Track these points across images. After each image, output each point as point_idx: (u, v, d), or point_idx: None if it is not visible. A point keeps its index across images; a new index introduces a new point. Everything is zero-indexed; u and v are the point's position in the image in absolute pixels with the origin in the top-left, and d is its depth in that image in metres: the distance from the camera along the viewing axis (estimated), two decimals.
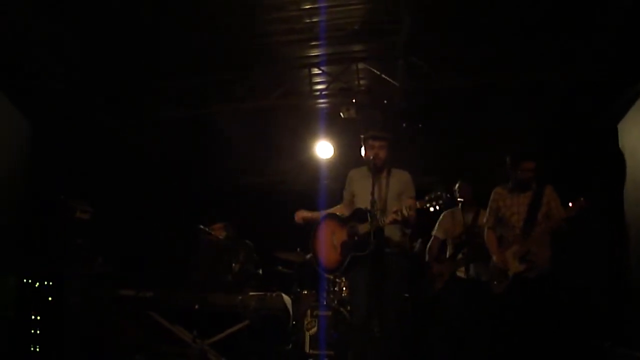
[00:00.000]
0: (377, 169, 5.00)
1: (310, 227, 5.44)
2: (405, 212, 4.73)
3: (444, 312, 6.21)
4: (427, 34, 6.78)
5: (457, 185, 6.57)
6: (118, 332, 6.02)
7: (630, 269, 5.85)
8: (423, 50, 7.12)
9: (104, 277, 6.35)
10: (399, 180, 5.17)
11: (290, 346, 7.00)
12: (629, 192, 5.89)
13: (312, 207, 5.55)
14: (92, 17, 6.24)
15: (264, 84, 7.86)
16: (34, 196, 6.38)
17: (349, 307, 6.50)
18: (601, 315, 6.70)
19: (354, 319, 5.24)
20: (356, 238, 4.97)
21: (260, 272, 7.07)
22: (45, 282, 5.92)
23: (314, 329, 6.90)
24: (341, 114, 7.97)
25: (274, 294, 6.16)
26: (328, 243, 5.19)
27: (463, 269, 6.16)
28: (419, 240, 6.92)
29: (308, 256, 7.05)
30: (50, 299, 5.91)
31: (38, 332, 5.76)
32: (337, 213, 5.36)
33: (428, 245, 6.69)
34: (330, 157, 8.92)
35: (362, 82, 7.84)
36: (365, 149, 5.18)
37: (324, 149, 8.87)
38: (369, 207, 4.79)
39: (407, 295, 6.86)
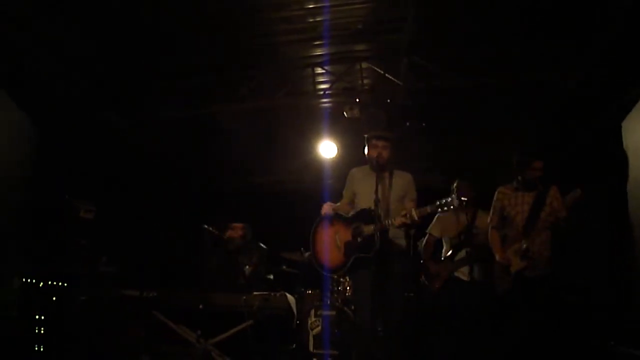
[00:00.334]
0: (380, 169, 5.00)
1: (309, 221, 5.44)
2: (415, 216, 4.75)
3: (444, 313, 6.18)
4: (431, 33, 6.78)
5: (455, 184, 6.55)
6: (122, 332, 6.02)
7: (636, 269, 5.83)
8: (426, 49, 7.12)
9: (107, 277, 6.36)
10: (402, 181, 5.17)
11: (294, 346, 7.00)
12: (633, 192, 5.87)
13: (316, 207, 5.54)
14: (96, 18, 6.25)
15: (267, 83, 7.86)
16: (38, 196, 6.38)
17: (352, 307, 6.50)
18: (603, 314, 6.69)
19: (357, 319, 5.24)
20: (360, 239, 4.97)
21: (271, 277, 7.08)
22: (49, 282, 5.93)
23: (318, 329, 6.90)
24: (345, 113, 7.97)
25: (277, 294, 6.15)
26: (331, 242, 5.18)
27: (464, 270, 6.13)
28: (422, 240, 6.90)
29: (307, 254, 7.06)
30: (54, 298, 5.91)
31: (42, 331, 5.77)
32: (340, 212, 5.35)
33: (423, 243, 6.66)
34: (334, 157, 8.92)
35: (365, 81, 7.84)
36: (368, 148, 5.18)
37: (327, 149, 8.87)
38: (372, 207, 4.79)
39: (411, 294, 6.88)
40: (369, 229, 4.87)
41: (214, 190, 10.15)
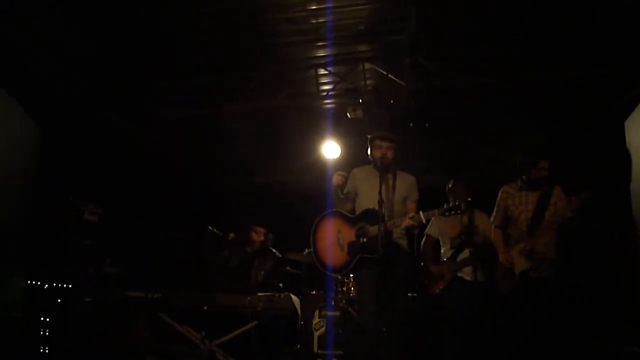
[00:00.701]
0: (384, 169, 5.00)
1: (313, 222, 5.44)
2: (423, 219, 4.79)
3: (447, 313, 6.18)
4: (432, 33, 6.78)
5: (449, 185, 6.55)
6: (126, 333, 6.03)
7: (637, 267, 5.83)
8: (429, 50, 7.12)
9: (112, 278, 6.37)
10: (405, 183, 5.19)
11: (298, 346, 7.02)
12: (636, 191, 5.88)
13: (319, 207, 5.54)
14: (96, 18, 6.27)
15: (270, 84, 7.87)
16: (42, 198, 6.40)
17: (356, 307, 6.50)
18: (606, 314, 6.69)
19: (361, 319, 5.25)
20: (365, 240, 4.97)
21: (281, 285, 7.09)
22: (54, 284, 5.94)
23: (322, 329, 6.90)
24: (348, 114, 7.98)
25: (282, 295, 6.17)
26: (334, 241, 5.18)
27: (467, 270, 6.13)
28: (422, 240, 6.90)
29: (306, 251, 7.07)
30: (58, 300, 5.92)
31: (47, 333, 5.78)
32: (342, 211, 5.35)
33: (422, 244, 6.66)
34: (337, 157, 8.93)
35: (368, 82, 7.85)
36: (372, 149, 5.19)
37: (330, 149, 8.88)
38: (375, 207, 4.79)
39: (415, 295, 6.89)
40: (373, 229, 4.88)
41: (217, 190, 10.16)
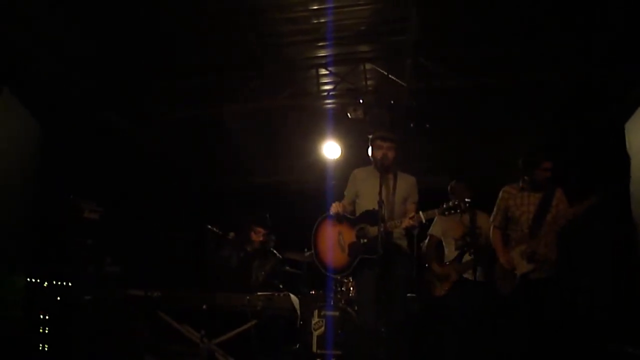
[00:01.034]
0: (384, 170, 5.00)
1: (312, 222, 5.44)
2: (423, 219, 4.79)
3: (452, 314, 6.18)
4: (434, 34, 6.78)
5: (451, 185, 6.55)
6: (126, 332, 6.03)
7: (637, 269, 5.82)
8: (430, 50, 7.12)
9: (112, 277, 6.37)
10: (405, 184, 5.19)
11: (297, 346, 7.02)
12: (636, 193, 5.87)
13: (319, 208, 5.54)
14: (99, 18, 6.26)
15: (271, 84, 7.87)
16: (42, 196, 6.39)
17: (356, 307, 6.51)
18: (607, 315, 6.69)
19: (360, 320, 5.25)
20: (365, 240, 4.98)
21: (281, 286, 7.09)
22: (54, 282, 5.94)
23: (322, 329, 6.90)
24: (348, 114, 7.98)
25: (281, 294, 6.16)
26: (335, 243, 5.18)
27: (471, 271, 6.13)
28: (424, 241, 6.90)
29: (307, 253, 7.07)
30: (58, 298, 5.92)
31: (47, 331, 5.78)
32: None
33: (425, 245, 6.65)
34: (338, 158, 8.93)
35: (369, 82, 7.85)
36: (373, 149, 5.19)
37: (331, 150, 8.88)
38: (375, 208, 4.79)
39: (414, 295, 6.89)
40: (373, 230, 4.88)
41: (217, 190, 10.16)
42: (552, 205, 5.42)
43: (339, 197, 5.42)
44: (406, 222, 4.85)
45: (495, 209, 5.75)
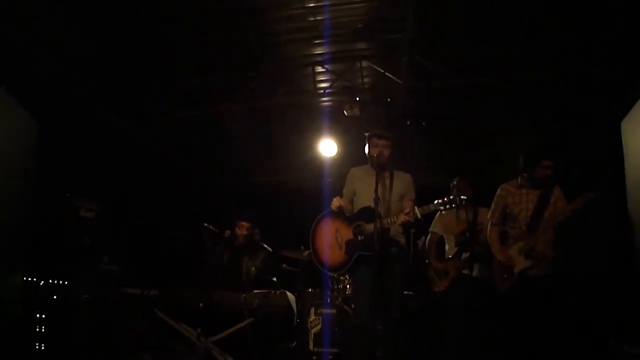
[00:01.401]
0: (380, 167, 5.01)
1: (310, 219, 5.44)
2: (418, 215, 4.79)
3: (450, 311, 6.18)
4: (431, 32, 6.79)
5: (454, 182, 6.55)
6: (123, 331, 6.03)
7: (636, 267, 5.83)
8: (426, 48, 7.12)
9: (109, 275, 6.36)
10: (402, 182, 5.19)
11: (294, 344, 7.02)
12: (632, 191, 5.87)
13: (316, 205, 5.55)
14: (98, 18, 6.25)
15: (268, 82, 7.87)
16: (39, 196, 6.39)
17: (353, 305, 6.51)
18: (605, 313, 6.69)
19: (357, 317, 5.25)
20: (362, 237, 4.98)
21: (275, 279, 7.09)
22: (51, 281, 5.93)
23: (318, 327, 6.91)
24: (345, 112, 7.97)
25: (277, 292, 6.16)
26: (332, 241, 5.19)
27: (470, 268, 6.14)
28: (422, 238, 6.91)
29: (306, 253, 7.07)
30: (55, 297, 5.92)
31: (44, 330, 5.78)
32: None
33: (427, 242, 6.66)
34: (334, 155, 8.93)
35: (366, 80, 7.85)
36: (369, 147, 5.19)
37: (327, 147, 8.87)
38: (372, 205, 4.79)
39: (411, 293, 6.89)
40: (370, 227, 4.88)
41: (215, 188, 10.16)
42: (550, 203, 5.42)
43: (336, 195, 5.42)
44: (402, 218, 4.85)
45: (492, 206, 5.75)
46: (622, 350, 5.35)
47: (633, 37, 6.02)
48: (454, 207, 4.89)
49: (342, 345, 6.70)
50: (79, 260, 6.20)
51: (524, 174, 5.57)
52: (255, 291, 6.09)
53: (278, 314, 6.15)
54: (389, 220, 4.91)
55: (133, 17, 6.31)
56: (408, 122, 8.15)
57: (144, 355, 5.87)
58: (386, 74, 7.60)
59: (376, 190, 4.79)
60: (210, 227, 6.78)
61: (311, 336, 6.92)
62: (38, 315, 5.83)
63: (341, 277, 7.24)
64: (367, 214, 4.94)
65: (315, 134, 8.90)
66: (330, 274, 5.81)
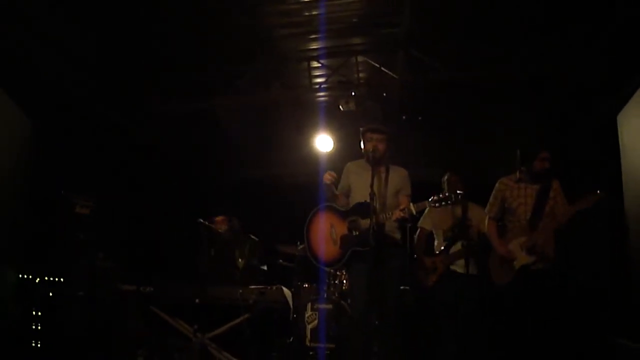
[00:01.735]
0: (375, 162, 5.00)
1: (305, 215, 5.42)
2: (413, 211, 4.78)
3: (441, 306, 6.18)
4: (427, 26, 6.77)
5: (445, 176, 6.54)
6: (119, 327, 6.02)
7: (632, 262, 5.84)
8: (423, 42, 7.11)
9: (105, 272, 6.34)
10: (397, 176, 5.19)
11: (291, 339, 7.02)
12: (628, 185, 5.88)
13: (312, 200, 5.53)
14: (93, 12, 6.23)
15: (263, 77, 7.85)
16: (34, 192, 6.37)
17: (349, 300, 6.51)
18: (604, 307, 6.71)
19: (354, 312, 5.25)
20: (357, 233, 4.97)
21: (265, 268, 7.07)
22: (46, 278, 5.91)
23: (315, 322, 6.91)
24: (340, 107, 7.96)
25: (274, 287, 6.16)
26: (327, 236, 5.17)
27: (460, 263, 6.12)
28: (415, 233, 6.90)
29: (301, 246, 7.06)
30: (51, 294, 5.90)
31: (39, 327, 5.76)
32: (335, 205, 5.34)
33: (415, 237, 6.65)
34: (330, 150, 8.92)
35: (361, 75, 7.84)
36: (364, 142, 5.19)
37: (323, 142, 8.86)
38: (367, 200, 4.78)
39: (407, 288, 6.89)
40: (365, 222, 4.87)
41: (210, 184, 10.14)
42: (550, 197, 5.41)
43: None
44: (397, 214, 4.85)
45: (491, 200, 5.74)
46: (620, 345, 5.35)
47: (629, 32, 6.01)
48: (450, 204, 4.88)
49: (339, 341, 6.70)
50: (75, 257, 6.18)
51: (522, 168, 5.56)
52: (252, 287, 6.08)
53: (274, 309, 6.14)
54: (384, 216, 4.90)
55: (126, 10, 6.28)
56: (404, 117, 8.15)
57: (140, 352, 5.86)
58: (382, 68, 7.59)
59: (372, 185, 4.77)
60: (206, 222, 6.77)
61: (308, 331, 6.92)
62: (34, 313, 5.80)
63: (337, 273, 7.24)
64: (363, 209, 4.93)
65: (311, 129, 8.89)
66: (324, 268, 5.80)
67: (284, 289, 6.26)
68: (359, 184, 5.11)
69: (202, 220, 6.76)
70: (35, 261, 6.04)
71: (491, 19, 6.48)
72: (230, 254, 6.90)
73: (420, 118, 8.25)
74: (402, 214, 4.82)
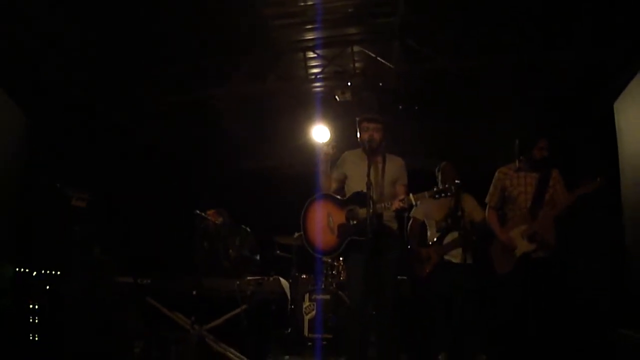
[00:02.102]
0: (372, 151, 4.99)
1: (302, 206, 5.41)
2: (413, 202, 4.77)
3: (436, 296, 6.18)
4: (422, 15, 6.75)
5: (440, 167, 6.52)
6: (117, 320, 6.01)
7: (628, 250, 5.84)
8: (418, 32, 7.09)
9: (101, 265, 6.34)
10: (394, 166, 5.17)
11: (289, 330, 7.03)
12: (626, 173, 5.87)
13: (309, 191, 5.51)
14: (86, 3, 6.18)
15: (259, 68, 7.82)
16: (30, 185, 6.35)
17: (347, 291, 6.50)
18: (604, 298, 6.72)
19: (351, 303, 5.23)
20: (355, 222, 4.96)
21: (258, 257, 7.06)
22: (43, 271, 5.90)
23: (313, 313, 6.91)
24: (336, 97, 7.95)
25: (271, 278, 6.15)
26: (324, 224, 5.15)
27: (454, 253, 6.12)
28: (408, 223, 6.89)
29: (296, 235, 7.05)
30: (48, 287, 5.89)
31: (36, 320, 5.75)
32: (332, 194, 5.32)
33: (408, 227, 6.63)
34: (327, 141, 8.88)
35: (357, 65, 7.82)
36: (360, 131, 5.17)
37: (320, 133, 8.84)
38: (364, 190, 4.77)
39: (404, 278, 6.90)
40: (363, 212, 4.85)
41: (206, 175, 10.11)
42: (550, 186, 5.40)
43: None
44: (396, 205, 4.83)
45: (491, 190, 5.74)
46: (619, 335, 5.35)
47: (626, 19, 5.99)
48: (450, 196, 4.86)
49: (337, 331, 6.71)
50: (71, 250, 6.17)
51: (521, 157, 5.56)
52: (249, 278, 6.08)
53: (272, 300, 6.14)
54: (382, 206, 4.88)
55: (126, 3, 6.26)
56: (400, 107, 8.13)
57: (137, 344, 5.86)
58: (378, 58, 7.57)
59: (368, 175, 4.75)
60: (202, 214, 6.76)
61: (306, 322, 6.93)
62: (31, 306, 5.80)
63: (335, 263, 7.25)
64: (361, 198, 4.90)
65: (307, 119, 8.86)
66: (320, 257, 5.79)
67: (282, 279, 6.25)
68: (356, 174, 5.09)
69: (198, 212, 6.75)
70: (32, 254, 6.03)
71: (487, 7, 6.45)
72: (221, 245, 6.89)
73: (416, 107, 8.23)
74: (401, 204, 4.80)
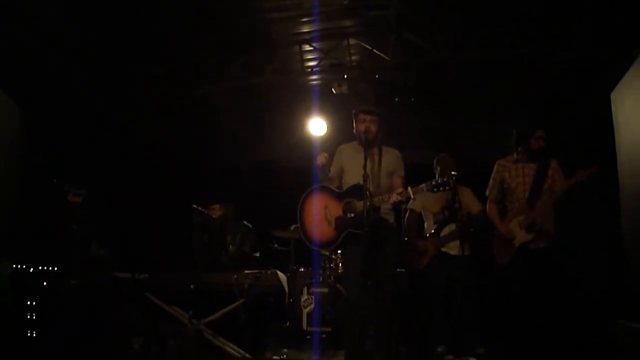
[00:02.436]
0: (368, 144, 4.97)
1: (299, 198, 5.39)
2: (411, 195, 4.76)
3: (434, 288, 6.17)
4: (419, 8, 6.72)
5: (437, 159, 6.50)
6: (115, 315, 6.00)
7: (625, 240, 5.83)
8: (414, 24, 7.07)
9: (99, 260, 6.33)
10: (391, 158, 5.16)
11: (287, 324, 7.03)
12: (623, 163, 5.87)
13: (307, 185, 5.50)
14: (87, 4, 6.17)
15: (255, 61, 7.80)
16: (26, 181, 6.34)
17: (345, 284, 6.50)
18: (602, 286, 6.72)
19: (349, 296, 5.23)
20: (352, 215, 4.95)
21: (258, 254, 7.06)
22: (40, 267, 5.89)
23: (311, 306, 6.91)
24: (333, 90, 7.94)
25: (269, 272, 6.15)
26: (321, 217, 5.14)
27: (452, 245, 6.12)
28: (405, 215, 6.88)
29: (293, 227, 7.05)
30: (45, 283, 5.88)
31: (34, 316, 5.74)
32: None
33: (405, 220, 6.63)
34: (324, 134, 8.88)
35: (353, 57, 7.81)
36: (356, 124, 5.16)
37: (317, 126, 8.82)
38: (360, 182, 4.76)
39: (403, 270, 6.89)
40: (361, 204, 4.84)
41: (204, 169, 10.10)
42: (549, 176, 5.41)
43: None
44: (394, 198, 4.82)
45: (490, 183, 5.75)
46: (617, 325, 5.35)
47: (621, 9, 5.97)
48: (447, 190, 4.85)
49: (335, 324, 6.71)
50: (69, 246, 6.16)
51: (519, 148, 5.55)
52: (247, 271, 6.07)
53: (270, 293, 6.14)
54: (380, 199, 4.87)
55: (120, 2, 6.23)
56: (396, 99, 8.12)
57: (135, 339, 5.85)
58: (374, 50, 7.55)
59: (365, 167, 4.74)
60: (200, 208, 6.75)
61: (304, 316, 6.93)
62: (29, 302, 5.79)
63: (333, 256, 7.24)
64: (358, 191, 4.89)
65: (304, 112, 8.85)
66: (317, 249, 5.77)
67: (279, 273, 6.26)
68: (352, 166, 5.09)
69: (195, 206, 6.74)
70: (29, 251, 6.02)
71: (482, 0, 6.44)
72: (222, 240, 6.89)
73: (412, 100, 8.22)
74: (399, 197, 4.79)
